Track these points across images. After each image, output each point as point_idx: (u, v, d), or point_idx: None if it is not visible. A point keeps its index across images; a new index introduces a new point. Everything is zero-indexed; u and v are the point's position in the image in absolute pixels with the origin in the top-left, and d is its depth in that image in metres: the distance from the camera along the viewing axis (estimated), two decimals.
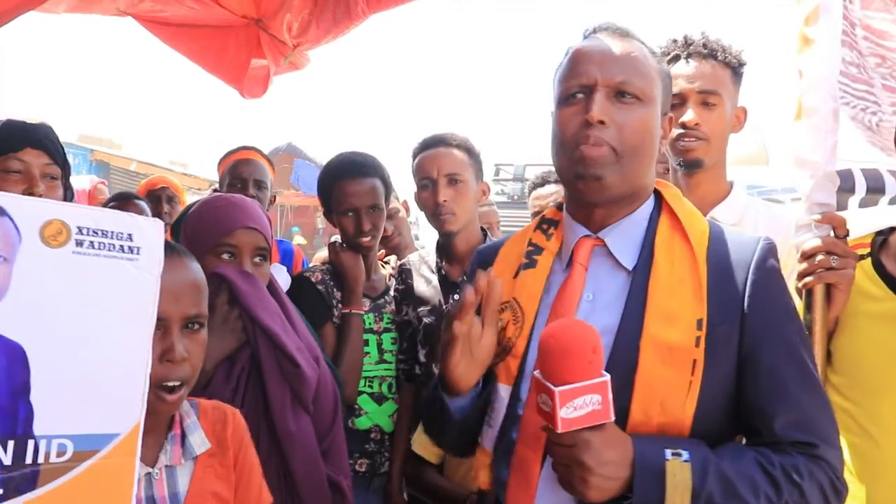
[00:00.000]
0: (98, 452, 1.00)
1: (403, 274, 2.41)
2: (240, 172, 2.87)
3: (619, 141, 1.17)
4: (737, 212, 1.95)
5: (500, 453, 1.22)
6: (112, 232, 1.04)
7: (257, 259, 1.63)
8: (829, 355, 1.45)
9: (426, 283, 2.34)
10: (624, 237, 1.23)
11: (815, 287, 1.39)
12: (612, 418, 1.05)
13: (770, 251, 1.19)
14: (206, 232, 1.57)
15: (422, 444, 2.17)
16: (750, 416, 1.15)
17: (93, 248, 1.02)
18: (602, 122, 1.16)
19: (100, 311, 1.03)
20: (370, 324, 2.35)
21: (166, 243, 1.27)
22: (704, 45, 1.91)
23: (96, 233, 1.03)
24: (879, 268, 1.42)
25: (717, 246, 1.19)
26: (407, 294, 2.37)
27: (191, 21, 3.35)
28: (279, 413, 1.52)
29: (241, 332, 1.56)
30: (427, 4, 3.01)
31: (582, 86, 1.20)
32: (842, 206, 1.59)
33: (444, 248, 2.34)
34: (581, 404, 1.02)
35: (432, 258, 2.39)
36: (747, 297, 1.15)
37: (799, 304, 1.44)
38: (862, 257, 1.42)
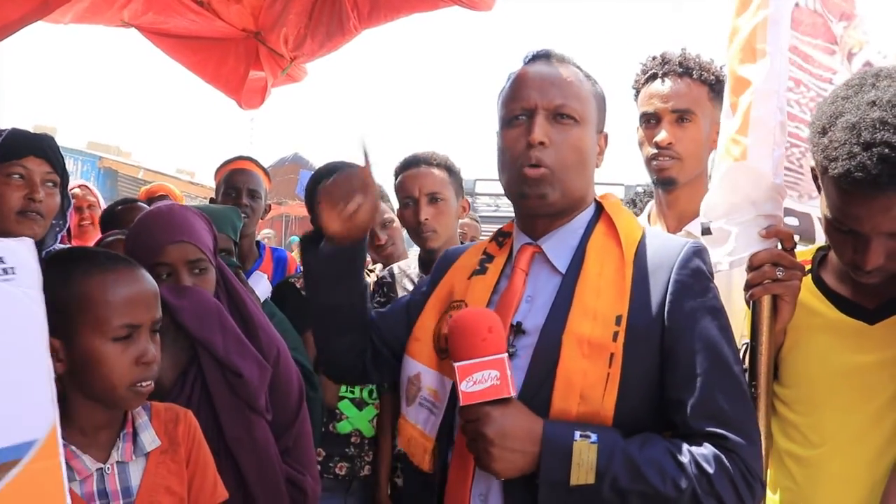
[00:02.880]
0: (20, 461, 1.01)
1: (385, 286, 2.45)
2: (234, 182, 2.93)
3: (557, 159, 1.26)
4: None
5: (444, 440, 1.30)
6: None
7: (196, 270, 1.62)
8: (776, 368, 1.46)
9: None
10: (560, 244, 1.32)
11: (761, 298, 1.41)
12: (513, 394, 1.13)
13: (696, 253, 1.25)
14: (140, 253, 1.55)
15: None
16: (668, 408, 1.19)
17: None
18: (542, 144, 1.26)
19: None
20: None
21: (121, 257, 1.33)
22: (680, 64, 1.93)
23: None
24: (820, 283, 1.45)
25: (647, 249, 1.26)
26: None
27: (192, 33, 3.42)
28: (227, 420, 1.55)
29: (190, 346, 1.58)
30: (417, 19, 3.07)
31: (524, 109, 1.30)
32: None
33: (427, 264, 2.38)
34: (480, 379, 1.11)
35: (414, 271, 2.43)
36: (669, 295, 1.21)
37: (747, 315, 1.48)
38: (804, 273, 1.44)
